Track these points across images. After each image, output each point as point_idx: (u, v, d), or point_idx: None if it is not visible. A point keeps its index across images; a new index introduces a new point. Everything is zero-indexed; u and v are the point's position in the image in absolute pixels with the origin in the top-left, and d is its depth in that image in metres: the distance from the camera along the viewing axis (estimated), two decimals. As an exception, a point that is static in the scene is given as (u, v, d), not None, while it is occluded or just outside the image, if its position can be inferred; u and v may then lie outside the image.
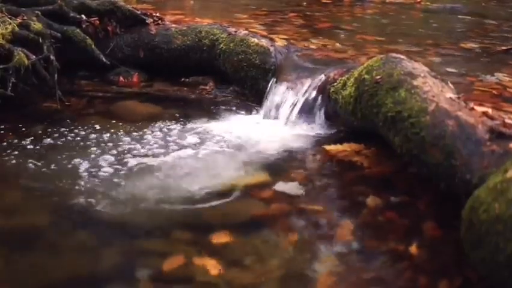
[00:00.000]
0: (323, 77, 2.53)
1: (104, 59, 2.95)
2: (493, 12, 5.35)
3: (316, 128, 2.47)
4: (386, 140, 1.99)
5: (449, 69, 2.81)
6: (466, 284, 1.47)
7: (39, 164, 2.07)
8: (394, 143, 1.90)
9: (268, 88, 2.70)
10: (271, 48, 2.86)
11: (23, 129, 2.39)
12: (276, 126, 2.53)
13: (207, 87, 3.00)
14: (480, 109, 1.77)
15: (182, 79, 3.07)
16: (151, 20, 3.17)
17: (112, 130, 2.39)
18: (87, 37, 2.92)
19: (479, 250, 1.33)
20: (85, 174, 2.02)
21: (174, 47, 3.08)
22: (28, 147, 2.21)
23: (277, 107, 2.59)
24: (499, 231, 1.27)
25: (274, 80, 2.71)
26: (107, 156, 2.15)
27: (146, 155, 2.18)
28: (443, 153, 1.66)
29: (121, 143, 2.28)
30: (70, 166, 2.07)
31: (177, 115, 2.64)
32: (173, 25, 3.19)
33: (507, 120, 1.66)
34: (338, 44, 3.24)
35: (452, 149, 1.63)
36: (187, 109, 2.72)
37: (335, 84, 2.40)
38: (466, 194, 1.48)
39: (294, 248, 1.65)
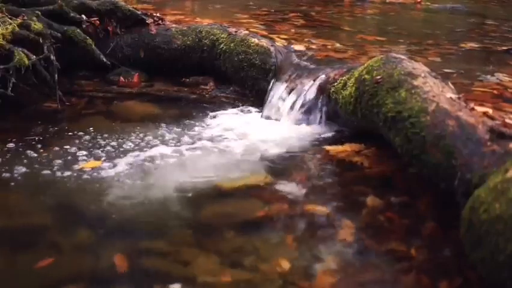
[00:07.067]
0: (323, 77, 2.53)
1: (104, 59, 2.96)
2: (493, 12, 5.35)
3: (317, 128, 2.47)
4: (386, 140, 1.99)
5: (449, 69, 2.81)
6: (466, 284, 1.47)
7: (40, 163, 2.07)
8: (394, 143, 1.90)
9: (268, 88, 2.70)
10: (272, 48, 2.86)
11: (23, 129, 2.39)
12: (277, 126, 2.53)
13: (207, 87, 3.00)
14: (480, 109, 1.77)
15: (183, 79, 3.07)
16: (152, 20, 3.17)
17: (112, 130, 2.39)
18: (87, 37, 2.92)
19: (479, 250, 1.33)
20: (85, 173, 2.02)
21: (174, 47, 3.08)
22: (28, 147, 2.21)
23: (278, 107, 2.59)
24: (499, 231, 1.27)
25: (275, 80, 2.71)
26: (107, 156, 2.15)
27: (146, 155, 2.18)
28: (444, 153, 1.66)
29: (121, 143, 2.28)
30: (69, 166, 2.07)
31: (177, 115, 2.64)
32: (174, 25, 3.20)
33: (507, 121, 1.66)
34: (338, 44, 3.24)
35: (453, 149, 1.63)
36: (188, 109, 2.73)
37: (335, 84, 2.40)
38: (466, 194, 1.48)
39: (294, 248, 1.65)
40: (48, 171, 2.02)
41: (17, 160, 2.10)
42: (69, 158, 2.14)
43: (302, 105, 2.51)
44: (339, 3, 5.45)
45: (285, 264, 1.56)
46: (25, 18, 2.71)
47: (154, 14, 3.27)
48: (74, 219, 1.78)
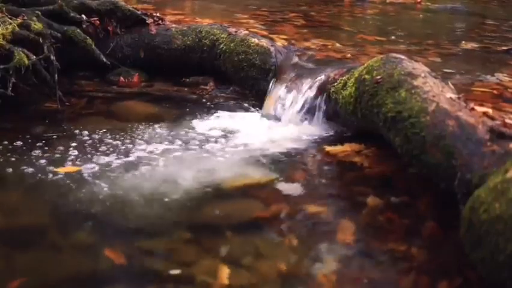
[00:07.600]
0: (323, 77, 2.53)
1: (104, 59, 2.96)
2: (493, 12, 5.35)
3: (317, 128, 2.47)
4: (386, 140, 1.99)
5: (449, 69, 2.81)
6: (466, 284, 1.47)
7: (40, 163, 2.07)
8: (394, 143, 1.90)
9: (268, 88, 2.70)
10: (272, 49, 2.86)
11: (23, 129, 2.38)
12: (276, 126, 2.53)
13: (207, 87, 3.00)
14: (480, 109, 1.77)
15: (183, 79, 3.07)
16: (152, 20, 3.17)
17: (112, 130, 2.39)
18: (87, 37, 2.92)
19: (479, 250, 1.33)
20: (85, 173, 2.01)
21: (174, 47, 3.08)
22: (28, 147, 2.21)
23: (278, 107, 2.59)
24: (499, 231, 1.27)
25: (275, 80, 2.71)
26: (107, 157, 2.15)
27: (146, 155, 2.18)
28: (444, 153, 1.66)
29: (121, 143, 2.28)
30: (69, 166, 2.07)
31: (177, 115, 2.64)
32: (174, 25, 3.20)
33: (507, 121, 1.66)
34: (338, 44, 3.24)
35: (453, 149, 1.63)
36: (188, 109, 2.73)
37: (335, 84, 2.40)
38: (466, 194, 1.48)
39: (294, 248, 1.65)
40: (47, 171, 2.02)
41: (17, 160, 2.10)
42: (69, 158, 2.13)
43: (302, 105, 2.51)
44: (339, 3, 5.46)
45: (285, 265, 1.56)
46: (25, 18, 2.71)
47: (154, 14, 3.27)
48: (73, 219, 1.78)
